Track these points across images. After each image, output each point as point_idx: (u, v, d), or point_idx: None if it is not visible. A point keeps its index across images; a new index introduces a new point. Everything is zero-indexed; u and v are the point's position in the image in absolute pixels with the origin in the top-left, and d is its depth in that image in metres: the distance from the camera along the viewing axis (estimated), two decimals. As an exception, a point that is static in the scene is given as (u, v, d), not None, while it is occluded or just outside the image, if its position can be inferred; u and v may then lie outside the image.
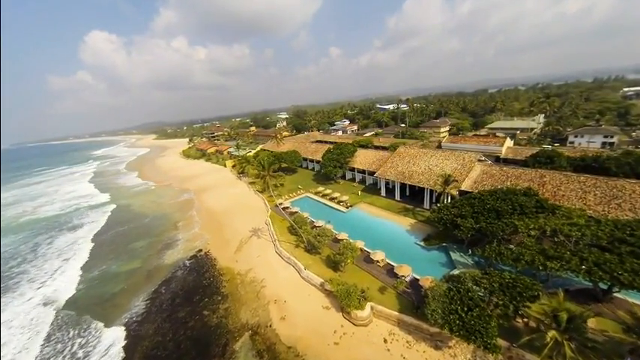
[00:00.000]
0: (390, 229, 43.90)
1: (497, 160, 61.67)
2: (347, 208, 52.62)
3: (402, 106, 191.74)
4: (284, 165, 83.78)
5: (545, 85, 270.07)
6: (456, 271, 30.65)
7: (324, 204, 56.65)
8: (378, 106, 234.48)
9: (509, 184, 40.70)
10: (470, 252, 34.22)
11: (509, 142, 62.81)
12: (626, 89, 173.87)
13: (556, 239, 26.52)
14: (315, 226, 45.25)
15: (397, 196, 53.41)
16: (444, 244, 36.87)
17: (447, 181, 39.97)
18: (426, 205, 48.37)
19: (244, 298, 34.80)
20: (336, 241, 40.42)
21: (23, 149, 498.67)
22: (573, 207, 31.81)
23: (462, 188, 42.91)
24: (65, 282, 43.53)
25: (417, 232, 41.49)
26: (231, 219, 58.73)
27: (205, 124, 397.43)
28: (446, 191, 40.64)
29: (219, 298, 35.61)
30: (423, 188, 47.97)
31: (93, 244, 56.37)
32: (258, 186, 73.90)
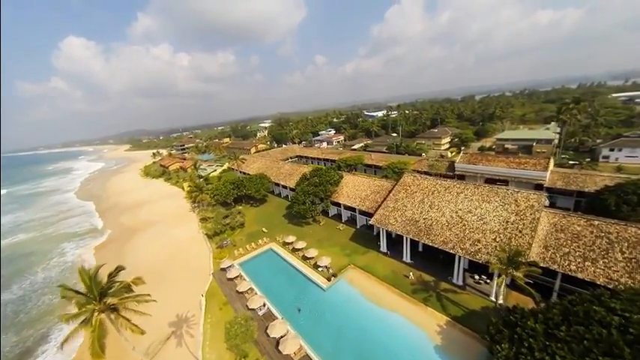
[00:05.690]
0: (401, 339, 24.30)
1: (539, 189, 44.32)
2: (328, 279, 32.74)
3: (392, 113, 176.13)
4: (249, 193, 63.49)
5: (531, 90, 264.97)
6: None
7: (296, 268, 36.58)
8: (365, 113, 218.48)
9: (619, 255, 22.45)
10: None
11: (551, 164, 45.44)
12: (615, 95, 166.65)
13: None
14: (267, 332, 25.26)
15: (406, 257, 34.21)
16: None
17: (515, 260, 21.00)
18: (458, 278, 29.39)
19: None
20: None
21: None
22: None
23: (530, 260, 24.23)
24: None
25: (453, 350, 22.19)
26: (153, 291, 37.63)
27: (185, 133, 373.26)
28: (509, 273, 21.71)
29: None
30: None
31: None
32: (209, 226, 53.31)
